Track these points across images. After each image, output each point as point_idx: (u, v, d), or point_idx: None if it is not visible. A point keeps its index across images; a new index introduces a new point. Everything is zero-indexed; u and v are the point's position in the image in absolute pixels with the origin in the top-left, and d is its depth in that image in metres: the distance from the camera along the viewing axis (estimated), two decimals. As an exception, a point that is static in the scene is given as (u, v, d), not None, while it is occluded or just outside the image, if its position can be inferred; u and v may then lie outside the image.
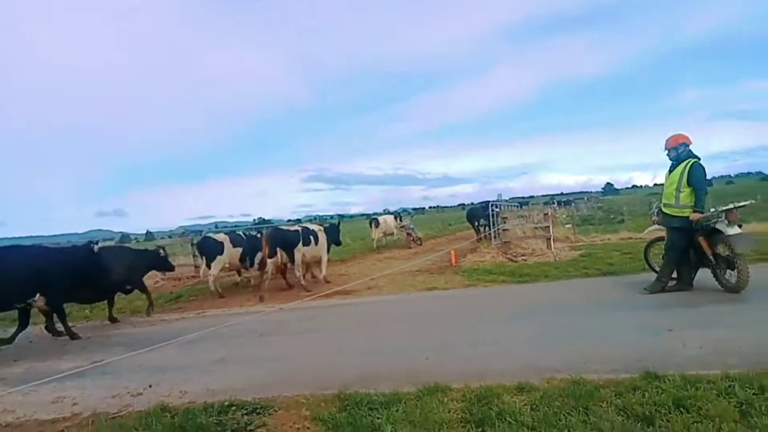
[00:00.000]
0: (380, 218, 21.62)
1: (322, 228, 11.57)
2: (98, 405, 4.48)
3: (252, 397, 4.27)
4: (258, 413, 3.93)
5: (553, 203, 33.61)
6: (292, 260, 10.39)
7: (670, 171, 6.97)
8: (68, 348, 6.98)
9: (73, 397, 4.75)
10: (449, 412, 3.61)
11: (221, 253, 11.00)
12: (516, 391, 3.88)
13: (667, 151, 7.03)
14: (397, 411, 3.68)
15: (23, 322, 7.41)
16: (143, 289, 9.48)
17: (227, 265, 11.47)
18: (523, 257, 12.56)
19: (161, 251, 10.16)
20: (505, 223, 14.30)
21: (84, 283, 7.82)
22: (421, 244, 20.52)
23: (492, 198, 18.63)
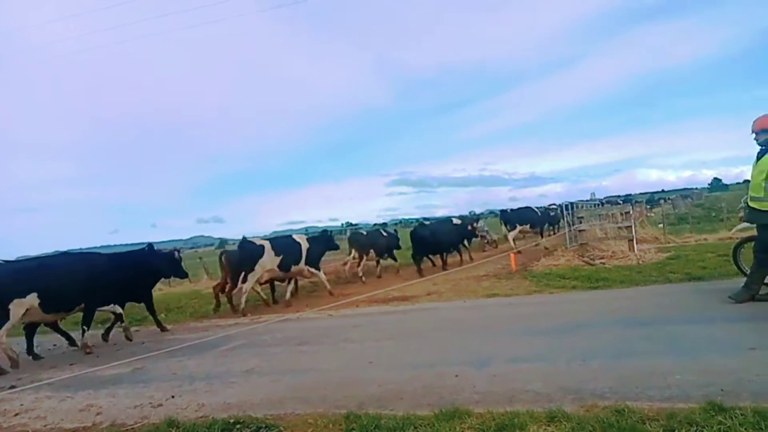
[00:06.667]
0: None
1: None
2: (119, 415, 4.47)
3: (263, 414, 4.06)
4: (260, 433, 3.68)
5: (634, 202, 30.53)
6: None
7: (758, 158, 5.90)
8: (120, 354, 7.03)
9: (101, 406, 4.78)
10: (460, 442, 3.14)
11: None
12: (545, 420, 3.32)
13: (755, 135, 5.94)
14: (403, 438, 3.27)
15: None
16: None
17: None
18: (602, 260, 11.53)
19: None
20: (581, 223, 13.22)
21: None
22: (496, 247, 19.53)
23: (585, 197, 16.84)
